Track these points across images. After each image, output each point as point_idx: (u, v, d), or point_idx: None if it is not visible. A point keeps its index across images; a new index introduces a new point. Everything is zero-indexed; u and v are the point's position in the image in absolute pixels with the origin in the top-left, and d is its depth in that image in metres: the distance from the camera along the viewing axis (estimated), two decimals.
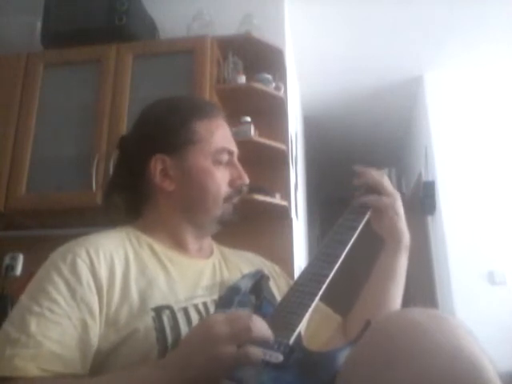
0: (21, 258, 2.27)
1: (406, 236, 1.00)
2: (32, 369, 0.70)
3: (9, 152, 2.10)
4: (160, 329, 0.77)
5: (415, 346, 0.59)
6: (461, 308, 2.94)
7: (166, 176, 0.93)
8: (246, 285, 0.89)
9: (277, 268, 1.09)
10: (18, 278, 2.21)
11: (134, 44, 2.25)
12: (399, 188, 1.07)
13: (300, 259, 2.75)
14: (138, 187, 0.97)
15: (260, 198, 2.07)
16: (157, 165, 0.93)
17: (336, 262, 0.87)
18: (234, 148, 1.00)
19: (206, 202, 0.94)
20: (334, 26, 3.03)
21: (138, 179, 0.96)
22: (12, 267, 2.24)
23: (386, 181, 0.99)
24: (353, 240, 0.92)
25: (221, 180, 0.94)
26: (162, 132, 0.95)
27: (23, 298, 0.78)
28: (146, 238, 0.92)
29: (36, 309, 0.75)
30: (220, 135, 0.97)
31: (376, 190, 0.99)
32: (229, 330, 0.62)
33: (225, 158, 0.96)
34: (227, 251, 1.06)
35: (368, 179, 1.00)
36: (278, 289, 0.98)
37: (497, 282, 3.02)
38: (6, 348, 0.71)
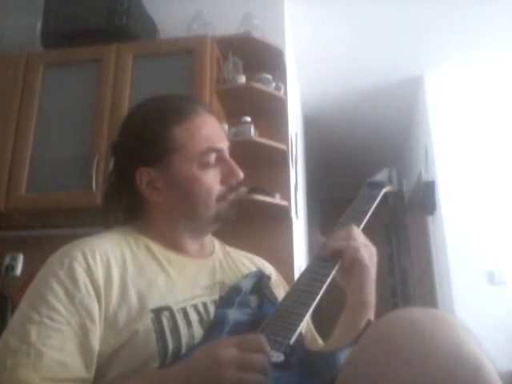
0: (21, 258, 2.27)
1: (373, 304, 0.90)
2: (35, 379, 0.69)
3: (9, 152, 2.10)
4: (159, 330, 0.77)
5: (415, 344, 0.59)
6: (461, 308, 2.94)
7: (154, 188, 0.91)
8: (246, 285, 0.88)
9: (279, 278, 1.07)
10: (18, 278, 2.21)
11: (133, 44, 2.25)
12: (400, 187, 1.06)
13: (300, 259, 2.75)
14: (131, 196, 0.95)
15: (260, 198, 2.06)
16: (142, 178, 0.91)
17: (337, 262, 0.87)
18: (222, 143, 0.94)
19: (196, 208, 0.91)
20: (333, 26, 3.03)
21: (130, 189, 0.94)
22: (12, 267, 2.24)
23: (356, 236, 0.90)
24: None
25: (211, 182, 0.91)
26: (141, 146, 0.92)
27: (22, 306, 0.77)
28: (143, 239, 0.91)
29: (35, 317, 0.74)
30: (203, 136, 0.91)
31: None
32: (237, 354, 0.61)
33: (212, 158, 0.91)
34: (232, 251, 1.05)
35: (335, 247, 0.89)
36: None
37: (497, 282, 3.02)
38: (7, 358, 0.71)
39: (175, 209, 0.93)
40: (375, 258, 0.92)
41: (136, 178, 0.91)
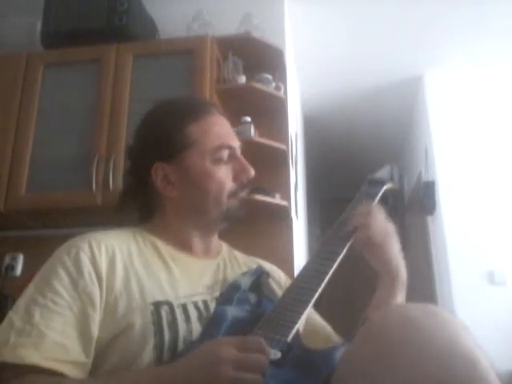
0: (21, 258, 2.27)
1: (401, 274, 0.95)
2: (35, 357, 0.72)
3: (9, 152, 2.10)
4: (158, 323, 0.78)
5: (411, 341, 0.59)
6: (461, 308, 2.94)
7: (169, 183, 0.94)
8: (245, 282, 0.90)
9: (289, 283, 1.08)
10: (18, 278, 2.21)
11: (133, 44, 2.25)
12: (401, 185, 1.06)
13: (300, 259, 2.75)
14: (146, 194, 0.98)
15: (260, 198, 2.07)
16: (157, 173, 0.94)
17: (335, 260, 0.87)
18: (235, 142, 0.98)
19: (207, 203, 0.94)
20: (334, 26, 3.03)
21: (145, 187, 0.97)
22: (12, 267, 2.24)
23: (377, 216, 0.95)
24: (353, 237, 0.92)
25: (223, 178, 0.94)
26: (157, 141, 0.95)
27: (29, 289, 0.81)
28: (150, 237, 0.94)
29: (40, 300, 0.77)
30: (215, 133, 0.96)
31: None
32: (236, 354, 0.62)
33: (224, 154, 0.95)
34: (239, 255, 1.07)
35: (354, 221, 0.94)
36: None
37: (497, 282, 3.01)
38: (10, 336, 0.74)
39: (187, 203, 0.95)
40: (393, 235, 0.96)
41: (151, 174, 0.94)
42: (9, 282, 2.17)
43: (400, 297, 0.93)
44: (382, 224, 0.94)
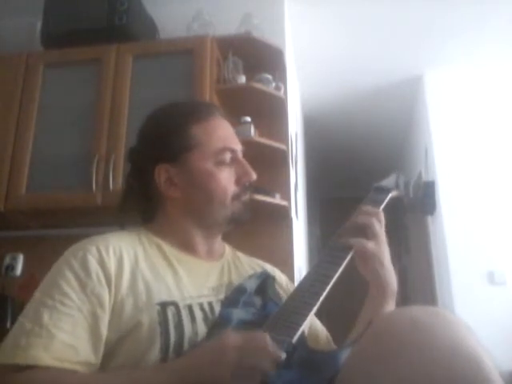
0: (21, 258, 2.27)
1: (391, 285, 0.92)
2: (45, 358, 0.72)
3: (9, 152, 2.10)
4: (164, 323, 0.79)
5: (415, 341, 0.60)
6: (461, 308, 2.94)
7: (172, 184, 0.95)
8: (251, 286, 0.90)
9: (291, 285, 1.08)
10: (18, 278, 2.21)
11: (134, 44, 2.25)
12: (406, 192, 1.06)
13: (300, 259, 2.75)
14: (148, 196, 0.99)
15: (260, 198, 2.07)
16: (160, 175, 0.95)
17: (341, 264, 0.87)
18: (237, 145, 0.99)
19: (211, 204, 0.94)
20: (333, 26, 3.03)
21: (148, 189, 0.97)
22: (12, 267, 2.24)
23: (376, 223, 0.92)
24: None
25: (226, 180, 0.94)
26: (161, 142, 0.96)
27: (37, 293, 0.82)
28: (155, 239, 0.94)
29: (49, 302, 0.78)
30: (219, 135, 0.97)
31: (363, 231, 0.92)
32: (241, 340, 0.64)
33: (227, 157, 0.96)
34: (242, 257, 1.07)
35: (358, 219, 0.93)
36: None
37: (497, 282, 3.01)
38: (21, 338, 0.75)
39: (191, 204, 0.96)
40: (387, 255, 0.92)
41: (155, 176, 0.95)
42: (9, 282, 2.18)
43: (391, 306, 0.92)
44: (380, 236, 0.92)
